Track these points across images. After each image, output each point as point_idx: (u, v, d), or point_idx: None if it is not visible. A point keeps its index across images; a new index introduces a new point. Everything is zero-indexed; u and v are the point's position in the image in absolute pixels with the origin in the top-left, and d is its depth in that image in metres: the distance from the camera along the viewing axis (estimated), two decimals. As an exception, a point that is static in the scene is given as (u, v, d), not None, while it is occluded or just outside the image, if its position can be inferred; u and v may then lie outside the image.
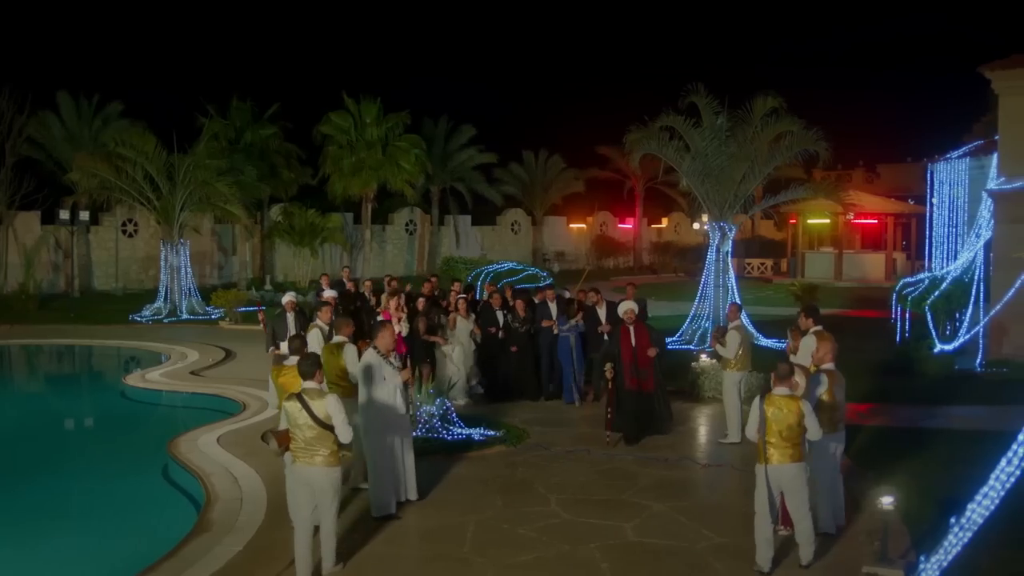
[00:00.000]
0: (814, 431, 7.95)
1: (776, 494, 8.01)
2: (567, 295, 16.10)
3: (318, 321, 11.96)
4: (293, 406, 7.75)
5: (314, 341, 11.05)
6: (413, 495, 9.81)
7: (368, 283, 17.63)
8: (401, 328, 14.37)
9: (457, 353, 15.05)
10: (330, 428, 7.69)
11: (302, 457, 7.78)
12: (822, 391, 8.60)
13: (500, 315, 15.46)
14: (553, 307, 15.35)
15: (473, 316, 15.56)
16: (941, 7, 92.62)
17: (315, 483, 7.78)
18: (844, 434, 8.94)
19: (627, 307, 13.08)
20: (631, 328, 12.79)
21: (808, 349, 10.14)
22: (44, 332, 24.92)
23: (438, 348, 14.92)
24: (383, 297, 16.11)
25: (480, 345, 15.46)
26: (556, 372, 15.31)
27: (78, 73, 47.46)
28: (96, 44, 63.83)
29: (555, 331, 15.07)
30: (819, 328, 10.47)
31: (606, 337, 14.40)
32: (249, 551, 8.36)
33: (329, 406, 7.72)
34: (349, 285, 17.43)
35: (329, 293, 15.30)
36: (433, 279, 18.30)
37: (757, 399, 8.06)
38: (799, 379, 8.47)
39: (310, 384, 7.89)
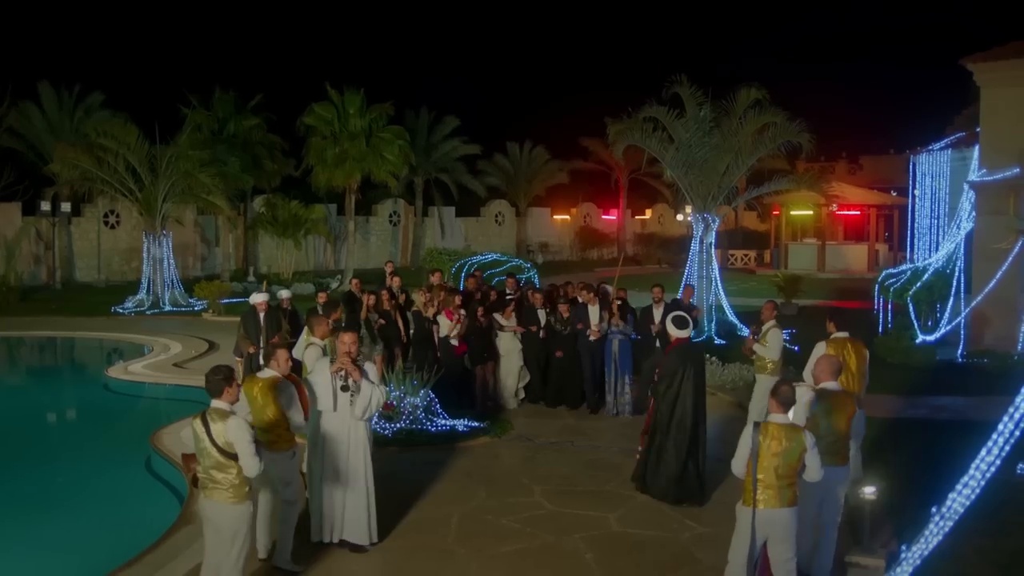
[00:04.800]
0: (814, 470, 6.74)
1: (760, 542, 6.81)
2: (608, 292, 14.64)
3: (314, 338, 9.87)
4: (197, 426, 6.62)
5: (310, 359, 9.27)
6: (367, 539, 8.27)
7: (397, 279, 16.23)
8: (461, 328, 13.83)
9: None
10: (234, 457, 6.54)
11: (206, 488, 6.69)
12: (820, 416, 7.44)
13: (543, 314, 14.43)
14: (595, 310, 14.00)
15: (514, 316, 14.48)
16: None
17: (215, 521, 6.72)
18: (849, 470, 7.81)
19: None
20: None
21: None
22: (26, 324, 24.76)
23: (500, 341, 14.24)
24: (418, 295, 14.81)
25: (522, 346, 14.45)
26: (599, 379, 14.06)
27: (59, 63, 47.19)
28: (77, 34, 63.41)
29: (590, 336, 13.80)
30: (841, 335, 9.78)
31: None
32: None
33: (230, 431, 6.50)
34: (394, 281, 15.98)
35: (284, 293, 14.29)
36: (477, 272, 17.64)
37: (750, 427, 6.79)
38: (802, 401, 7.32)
39: (217, 403, 6.68)
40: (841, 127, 55.14)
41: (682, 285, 20.89)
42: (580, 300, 14.44)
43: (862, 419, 8.86)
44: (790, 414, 6.90)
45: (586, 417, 13.70)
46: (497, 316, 14.34)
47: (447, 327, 13.86)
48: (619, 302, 13.94)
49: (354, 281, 16.00)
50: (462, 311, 13.95)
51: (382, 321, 14.29)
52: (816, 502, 7.37)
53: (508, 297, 15.07)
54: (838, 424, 7.47)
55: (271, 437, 7.59)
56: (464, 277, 20.51)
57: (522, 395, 14.62)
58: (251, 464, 6.52)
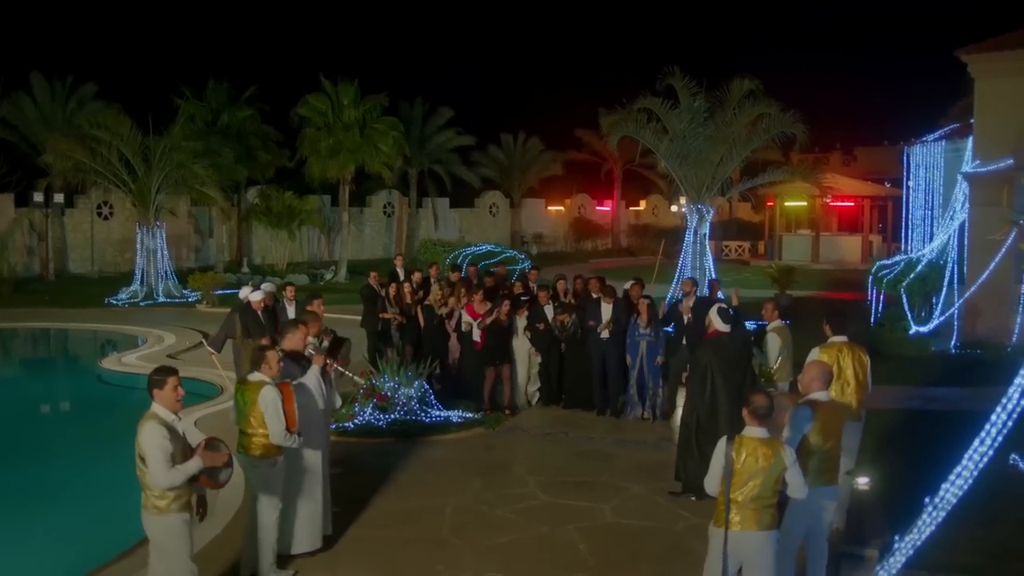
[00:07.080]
0: (797, 487, 6.05)
1: (734, 567, 6.05)
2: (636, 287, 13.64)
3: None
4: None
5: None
6: (312, 544, 7.96)
7: (435, 267, 15.62)
8: (487, 313, 13.18)
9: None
10: (145, 463, 6.03)
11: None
12: (806, 431, 6.58)
13: (550, 311, 13.54)
14: (608, 307, 13.07)
15: (527, 313, 13.70)
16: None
17: (147, 532, 6.27)
18: (838, 490, 7.05)
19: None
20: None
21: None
22: (19, 316, 24.65)
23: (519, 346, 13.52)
24: (436, 289, 14.39)
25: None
26: (612, 383, 13.23)
27: (52, 54, 46.92)
28: (70, 25, 63.14)
29: (601, 335, 12.98)
30: (838, 340, 8.68)
31: (684, 341, 12.43)
32: (227, 534, 8.32)
33: (143, 437, 5.99)
34: (432, 270, 15.39)
35: (254, 295, 12.84)
36: (501, 266, 16.81)
37: (723, 442, 6.05)
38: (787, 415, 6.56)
39: (154, 406, 6.19)
40: (835, 118, 55.31)
41: (677, 276, 20.97)
42: (587, 297, 13.74)
43: (858, 433, 8.56)
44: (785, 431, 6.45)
45: (582, 410, 13.49)
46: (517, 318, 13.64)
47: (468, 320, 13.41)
48: (647, 301, 13.00)
49: (372, 274, 15.18)
50: (488, 303, 13.33)
51: (401, 320, 14.15)
52: (800, 533, 6.71)
53: (523, 299, 14.19)
54: (828, 440, 6.67)
55: (251, 444, 7.29)
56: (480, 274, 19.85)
57: (537, 397, 13.96)
58: (164, 476, 5.96)
